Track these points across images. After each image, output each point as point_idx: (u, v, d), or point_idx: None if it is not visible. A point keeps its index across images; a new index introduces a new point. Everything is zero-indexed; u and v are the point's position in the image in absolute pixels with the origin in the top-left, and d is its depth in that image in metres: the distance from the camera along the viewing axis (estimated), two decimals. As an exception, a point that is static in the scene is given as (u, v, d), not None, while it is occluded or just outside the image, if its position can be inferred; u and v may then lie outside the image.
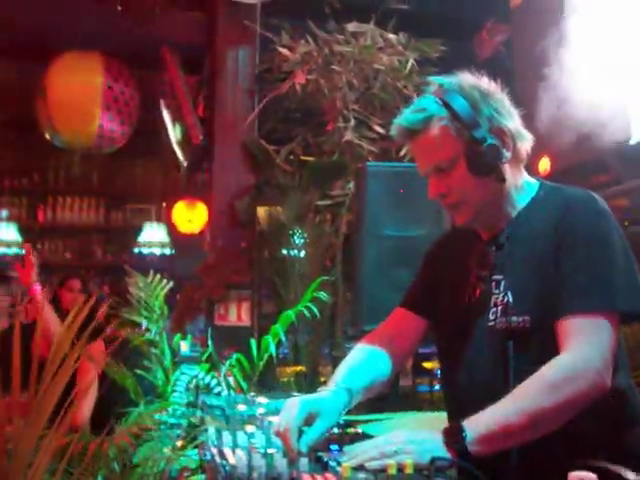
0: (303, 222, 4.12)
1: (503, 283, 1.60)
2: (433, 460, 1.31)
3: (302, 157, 4.24)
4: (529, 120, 1.70)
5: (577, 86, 3.76)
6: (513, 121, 1.63)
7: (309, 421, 1.49)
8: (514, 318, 1.54)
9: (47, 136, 5.77)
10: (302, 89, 3.99)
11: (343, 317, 4.06)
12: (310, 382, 3.92)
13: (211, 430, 1.60)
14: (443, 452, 1.36)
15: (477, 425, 1.39)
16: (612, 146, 3.82)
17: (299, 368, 4.17)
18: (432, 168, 1.61)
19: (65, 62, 5.57)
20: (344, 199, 3.97)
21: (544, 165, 4.29)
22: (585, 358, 1.45)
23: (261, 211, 4.38)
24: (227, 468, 1.28)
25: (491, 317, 1.60)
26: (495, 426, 1.40)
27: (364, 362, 1.75)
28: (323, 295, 2.60)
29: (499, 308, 1.59)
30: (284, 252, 4.12)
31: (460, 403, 1.65)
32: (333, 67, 3.85)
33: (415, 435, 1.42)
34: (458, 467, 1.35)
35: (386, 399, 3.80)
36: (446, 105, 1.58)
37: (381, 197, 3.02)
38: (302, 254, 4.10)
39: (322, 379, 4.25)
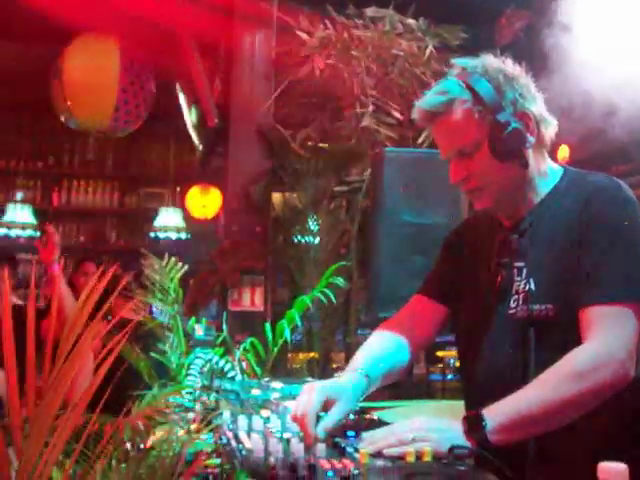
0: (318, 208, 4.09)
1: (525, 270, 1.57)
2: (452, 448, 1.30)
3: (318, 143, 4.21)
4: (550, 105, 1.67)
5: (598, 73, 3.70)
6: (537, 106, 1.60)
7: (327, 406, 1.46)
8: (536, 306, 1.52)
9: (62, 119, 5.77)
10: (320, 74, 3.95)
11: (357, 304, 4.04)
12: (322, 368, 3.91)
13: (226, 414, 1.59)
14: (462, 440, 1.35)
15: (497, 414, 1.37)
16: (634, 135, 3.78)
17: (312, 354, 4.16)
18: (454, 152, 1.59)
19: (81, 45, 5.56)
20: (360, 185, 3.94)
21: (563, 153, 4.24)
22: (608, 349, 1.42)
23: (276, 196, 4.36)
24: (243, 452, 1.26)
25: (512, 305, 1.57)
26: (516, 415, 1.38)
27: (383, 348, 1.73)
28: (340, 281, 2.57)
29: (520, 296, 1.56)
30: (299, 238, 4.10)
31: (479, 391, 1.63)
32: (351, 52, 3.82)
33: (434, 423, 1.40)
34: (477, 456, 1.33)
35: (400, 387, 3.80)
36: (469, 88, 1.54)
37: (398, 183, 2.99)
38: (317, 240, 4.08)
39: (334, 365, 4.24)
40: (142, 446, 1.46)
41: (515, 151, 1.55)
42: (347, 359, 3.87)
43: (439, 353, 4.85)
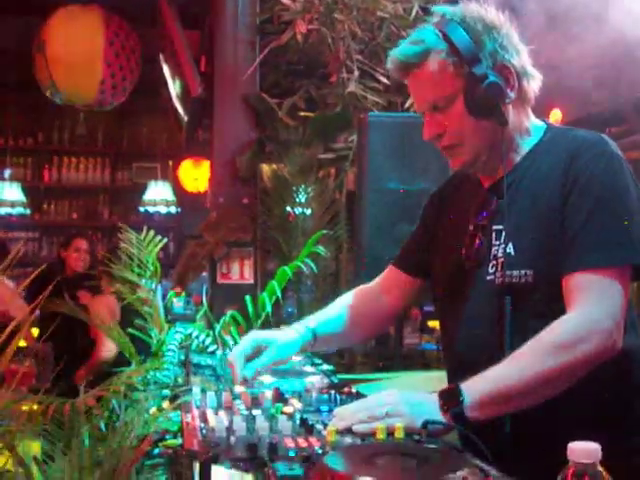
0: (306, 178, 4.01)
1: (504, 234, 1.48)
2: (426, 424, 1.23)
3: (305, 111, 4.11)
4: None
5: (593, 28, 3.60)
6: (519, 58, 1.49)
7: (258, 353, 1.60)
8: (515, 272, 1.43)
9: (47, 93, 5.66)
10: (304, 40, 3.84)
11: (347, 274, 3.98)
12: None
13: (195, 390, 1.53)
14: (437, 416, 1.28)
15: (475, 389, 1.30)
16: (628, 97, 3.68)
17: (304, 326, 4.10)
18: (428, 106, 1.49)
19: (64, 17, 5.44)
20: (347, 153, 3.85)
21: (555, 117, 4.15)
22: (595, 318, 1.34)
23: (264, 167, 4.27)
24: (204, 432, 1.20)
25: (490, 270, 1.48)
26: (495, 390, 1.30)
27: (336, 314, 1.77)
28: (320, 250, 2.51)
29: (499, 261, 1.47)
30: (287, 209, 4.02)
31: (458, 362, 1.56)
32: (335, 16, 3.70)
33: (408, 396, 1.33)
34: (457, 433, 1.27)
35: (392, 358, 3.75)
36: (445, 37, 1.44)
37: (383, 149, 2.90)
38: (305, 210, 4.00)
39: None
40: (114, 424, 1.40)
41: (492, 107, 1.45)
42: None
43: (432, 323, 4.80)
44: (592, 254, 1.37)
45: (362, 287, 1.84)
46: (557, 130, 1.56)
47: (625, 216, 1.39)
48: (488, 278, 1.48)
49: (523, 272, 1.42)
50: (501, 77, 1.45)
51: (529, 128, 1.54)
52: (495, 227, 1.50)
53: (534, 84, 1.52)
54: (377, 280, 1.82)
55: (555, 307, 1.38)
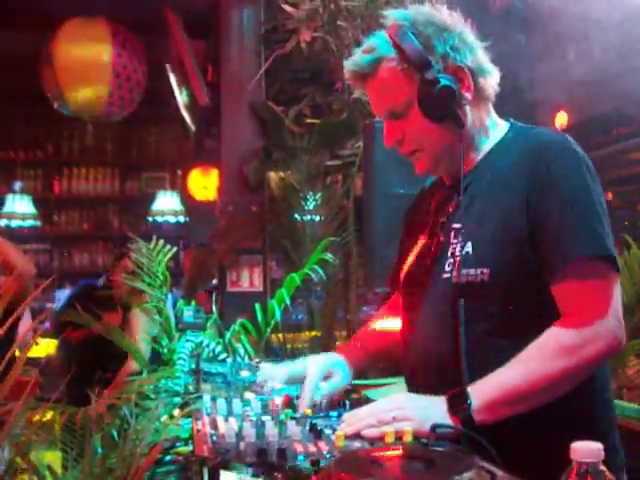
0: (314, 185, 4.02)
1: (462, 232, 1.46)
2: (434, 428, 1.24)
3: (311, 118, 4.12)
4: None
5: (596, 34, 3.60)
6: (474, 57, 1.48)
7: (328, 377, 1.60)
8: (472, 270, 1.41)
9: (55, 105, 5.71)
10: (309, 48, 3.86)
11: (357, 280, 3.98)
12: (325, 346, 3.86)
13: (206, 398, 1.55)
14: (445, 419, 1.29)
15: (483, 392, 1.31)
16: (634, 96, 3.68)
17: (314, 333, 4.12)
18: (385, 113, 1.50)
19: (71, 29, 5.48)
20: (354, 159, 3.86)
21: (561, 120, 4.14)
22: (600, 319, 1.33)
23: (271, 175, 4.29)
24: (214, 438, 1.21)
25: (447, 268, 1.46)
26: (502, 393, 1.31)
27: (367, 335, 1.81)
28: (329, 257, 2.52)
29: (456, 259, 1.45)
30: (295, 216, 4.04)
31: (412, 360, 1.54)
32: (339, 23, 3.71)
33: (417, 400, 1.34)
34: (462, 436, 1.27)
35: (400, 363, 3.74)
36: (396, 44, 1.44)
37: (389, 154, 2.89)
38: (313, 217, 4.02)
39: (338, 343, 4.19)
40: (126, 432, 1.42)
41: (447, 110, 1.45)
42: (349, 336, 3.81)
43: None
44: (577, 248, 1.35)
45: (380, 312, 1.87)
46: (520, 128, 1.55)
47: (595, 211, 1.38)
48: (444, 276, 1.47)
49: (479, 271, 1.40)
50: (455, 79, 1.45)
51: (488, 127, 1.54)
52: (454, 225, 1.49)
53: (492, 81, 1.52)
54: (388, 304, 1.83)
55: (507, 308, 1.38)
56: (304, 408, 1.45)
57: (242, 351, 2.55)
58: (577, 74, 3.88)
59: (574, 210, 1.37)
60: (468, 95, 1.47)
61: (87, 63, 5.44)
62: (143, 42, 5.63)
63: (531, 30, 4.31)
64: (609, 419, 1.49)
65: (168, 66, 5.29)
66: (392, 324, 1.76)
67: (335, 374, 1.61)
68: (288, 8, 3.76)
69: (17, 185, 7.86)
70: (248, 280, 4.12)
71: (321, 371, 1.58)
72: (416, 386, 1.49)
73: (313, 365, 1.59)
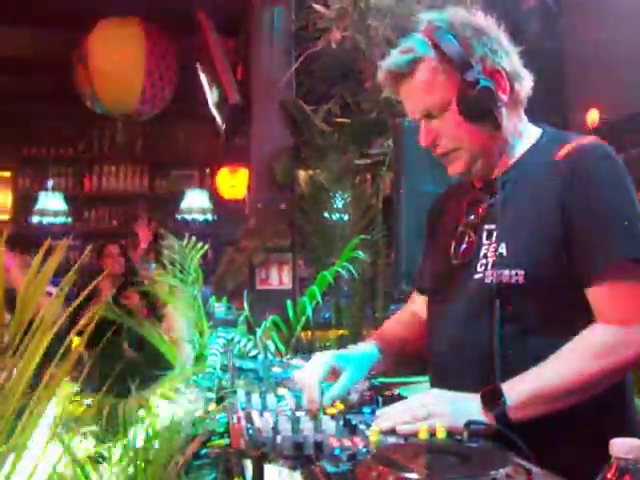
0: (343, 183, 4.04)
1: (496, 234, 1.47)
2: (468, 424, 1.24)
3: (340, 117, 4.14)
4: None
5: (628, 33, 3.57)
6: (510, 61, 1.49)
7: (334, 376, 1.49)
8: (506, 272, 1.41)
9: (88, 103, 5.78)
10: (339, 46, 3.88)
11: (385, 279, 3.99)
12: (352, 344, 3.87)
13: (240, 393, 1.57)
14: (479, 416, 1.29)
15: (517, 390, 1.32)
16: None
17: (341, 332, 4.13)
18: (421, 114, 1.50)
19: (105, 29, 5.55)
20: (383, 158, 3.87)
21: (593, 117, 4.11)
22: (630, 323, 1.34)
23: (301, 173, 4.31)
24: (250, 432, 1.23)
25: (479, 269, 1.47)
26: (537, 391, 1.32)
27: (399, 324, 1.76)
28: (360, 255, 2.53)
29: (489, 260, 1.46)
30: (324, 214, 4.06)
31: (440, 362, 1.55)
32: (369, 22, 3.73)
33: (450, 397, 1.35)
34: (495, 433, 1.28)
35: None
36: (434, 45, 1.45)
37: (419, 153, 2.90)
38: (342, 216, 4.03)
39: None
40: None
41: (485, 111, 1.45)
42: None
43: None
44: (619, 248, 1.36)
45: (398, 314, 1.84)
46: (552, 134, 1.56)
47: (633, 214, 1.38)
48: (476, 277, 1.47)
49: (514, 272, 1.40)
50: (492, 81, 1.46)
51: (522, 131, 1.55)
52: (487, 227, 1.50)
53: (526, 85, 1.53)
54: (409, 305, 1.82)
55: (540, 309, 1.39)
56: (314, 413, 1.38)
57: (272, 347, 2.57)
58: (610, 73, 3.85)
59: (611, 213, 1.38)
60: (504, 97, 1.48)
61: (120, 62, 5.50)
62: (174, 41, 5.69)
63: (563, 29, 4.29)
64: (636, 420, 1.49)
65: (198, 64, 5.33)
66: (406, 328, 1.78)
67: (344, 370, 1.50)
68: (319, 7, 3.77)
69: (49, 182, 7.97)
70: (277, 278, 4.15)
71: (321, 374, 1.47)
72: (446, 386, 1.49)
73: (310, 371, 1.49)
